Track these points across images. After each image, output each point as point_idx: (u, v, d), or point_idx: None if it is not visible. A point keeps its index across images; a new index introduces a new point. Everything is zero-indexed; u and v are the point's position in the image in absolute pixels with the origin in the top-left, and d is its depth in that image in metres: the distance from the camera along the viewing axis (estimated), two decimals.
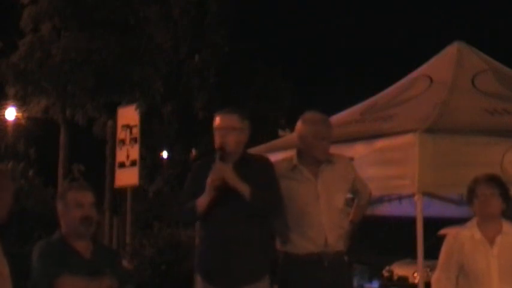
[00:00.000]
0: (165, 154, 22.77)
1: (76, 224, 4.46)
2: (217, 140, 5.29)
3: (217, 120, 5.35)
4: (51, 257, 4.37)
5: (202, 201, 5.13)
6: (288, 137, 8.57)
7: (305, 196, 5.44)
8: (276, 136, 7.87)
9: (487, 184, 4.94)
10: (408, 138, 6.52)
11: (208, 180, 5.12)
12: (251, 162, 5.33)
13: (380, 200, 8.29)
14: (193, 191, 5.24)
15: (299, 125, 5.57)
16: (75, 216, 4.46)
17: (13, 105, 23.17)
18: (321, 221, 5.43)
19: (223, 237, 5.15)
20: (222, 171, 5.13)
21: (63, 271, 4.32)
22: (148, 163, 20.36)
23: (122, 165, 13.70)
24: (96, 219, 4.56)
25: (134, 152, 13.39)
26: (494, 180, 4.98)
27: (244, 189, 5.13)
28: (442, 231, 14.59)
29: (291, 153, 5.69)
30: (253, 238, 5.23)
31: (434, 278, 5.08)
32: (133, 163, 13.40)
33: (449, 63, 7.84)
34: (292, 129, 7.11)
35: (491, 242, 4.94)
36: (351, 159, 6.29)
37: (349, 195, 5.82)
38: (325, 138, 5.50)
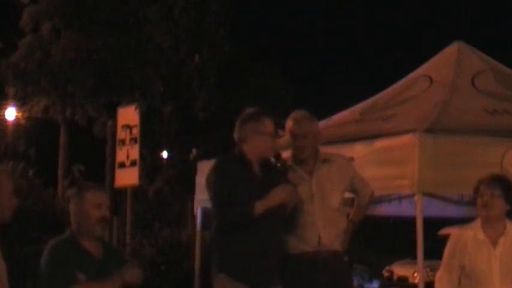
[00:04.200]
0: (165, 154, 22.77)
1: (93, 224, 4.46)
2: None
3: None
4: (65, 259, 4.35)
5: (262, 207, 5.04)
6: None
7: (299, 196, 5.44)
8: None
9: (490, 185, 4.93)
10: (408, 138, 6.51)
11: (281, 193, 5.10)
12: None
13: (380, 200, 8.28)
14: (230, 194, 5.10)
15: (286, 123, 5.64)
16: (93, 216, 4.46)
17: (13, 105, 23.15)
18: (315, 220, 5.43)
19: (262, 241, 5.10)
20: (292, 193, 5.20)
21: (78, 275, 4.30)
22: (148, 163, 20.35)
23: (122, 165, 13.67)
24: (108, 221, 4.59)
25: (134, 152, 13.37)
26: (498, 181, 4.98)
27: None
28: (442, 231, 14.61)
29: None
30: (282, 243, 5.31)
31: (437, 276, 5.09)
32: (133, 163, 13.37)
33: (449, 63, 7.84)
34: None
35: (494, 242, 4.93)
36: (351, 159, 6.30)
37: (350, 195, 5.82)
38: (297, 136, 5.50)
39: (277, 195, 5.09)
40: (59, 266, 4.33)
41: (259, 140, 5.17)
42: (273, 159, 5.25)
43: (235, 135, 5.27)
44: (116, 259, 4.57)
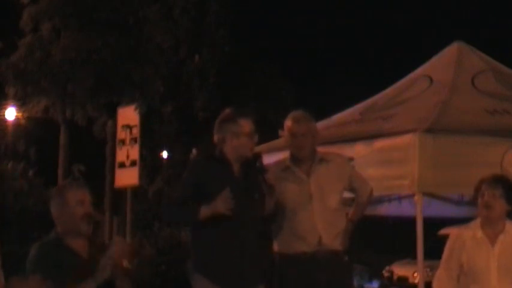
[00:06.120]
0: (165, 154, 22.78)
1: (77, 221, 4.41)
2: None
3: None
4: (49, 260, 4.32)
5: (206, 213, 5.02)
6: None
7: (298, 196, 5.45)
8: (276, 136, 7.85)
9: (492, 185, 4.95)
10: (408, 138, 6.51)
11: (219, 205, 5.01)
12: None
13: (380, 200, 8.28)
14: (189, 191, 5.12)
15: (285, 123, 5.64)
16: (76, 214, 4.41)
17: (13, 105, 23.12)
18: (314, 220, 5.43)
19: (239, 241, 5.10)
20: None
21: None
22: (148, 163, 20.35)
23: (122, 165, 13.68)
24: (93, 217, 4.54)
25: (134, 152, 13.37)
26: (500, 181, 4.99)
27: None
28: (442, 231, 14.61)
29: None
30: (258, 243, 5.28)
31: (436, 275, 5.10)
32: (133, 163, 13.38)
33: (449, 63, 7.84)
34: None
35: (493, 241, 4.95)
36: (351, 159, 6.30)
37: (350, 195, 5.82)
38: (297, 135, 5.51)
39: (214, 207, 5.02)
40: (43, 267, 4.30)
41: (236, 140, 5.20)
42: (252, 159, 5.25)
43: (215, 137, 5.30)
44: (102, 253, 4.51)
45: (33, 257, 4.38)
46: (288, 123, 5.59)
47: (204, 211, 5.03)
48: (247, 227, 5.13)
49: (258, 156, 5.25)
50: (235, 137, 5.20)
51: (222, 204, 5.00)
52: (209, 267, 5.13)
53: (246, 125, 5.24)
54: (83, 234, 4.43)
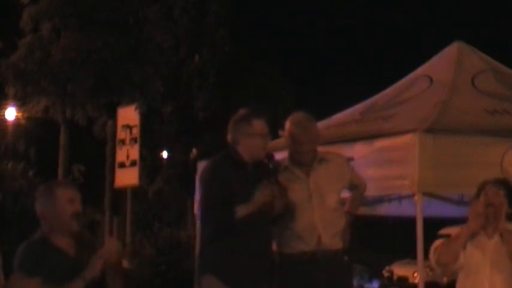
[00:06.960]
0: (165, 154, 22.79)
1: (67, 220, 4.36)
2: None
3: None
4: (35, 260, 4.27)
5: (244, 212, 5.04)
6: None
7: (297, 196, 5.44)
8: (276, 136, 7.86)
9: (496, 185, 5.00)
10: (408, 138, 6.51)
11: (261, 195, 5.07)
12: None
13: (380, 200, 8.28)
14: (225, 195, 5.08)
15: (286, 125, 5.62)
16: (66, 212, 4.37)
17: (13, 105, 23.14)
18: (313, 220, 5.43)
19: (256, 244, 5.12)
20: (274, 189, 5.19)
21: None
22: (148, 163, 20.36)
23: (122, 165, 13.71)
24: (83, 215, 4.50)
25: (134, 152, 13.40)
26: (503, 183, 5.06)
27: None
28: (442, 231, 14.61)
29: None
30: (271, 245, 5.34)
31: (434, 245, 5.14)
32: (133, 163, 13.41)
33: (449, 63, 7.83)
34: None
35: (491, 236, 5.02)
36: (351, 159, 6.30)
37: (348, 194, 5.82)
38: (296, 141, 5.51)
39: (258, 200, 5.08)
40: (29, 266, 4.25)
41: (250, 141, 5.21)
42: (265, 160, 5.26)
43: (228, 137, 5.30)
44: (90, 251, 4.47)
45: (19, 256, 4.33)
46: (290, 128, 5.58)
47: (243, 210, 5.04)
48: (260, 228, 5.13)
49: (270, 157, 5.25)
50: (249, 138, 5.21)
51: (262, 195, 5.06)
52: (221, 268, 5.13)
53: (259, 125, 5.26)
54: (72, 232, 4.39)
